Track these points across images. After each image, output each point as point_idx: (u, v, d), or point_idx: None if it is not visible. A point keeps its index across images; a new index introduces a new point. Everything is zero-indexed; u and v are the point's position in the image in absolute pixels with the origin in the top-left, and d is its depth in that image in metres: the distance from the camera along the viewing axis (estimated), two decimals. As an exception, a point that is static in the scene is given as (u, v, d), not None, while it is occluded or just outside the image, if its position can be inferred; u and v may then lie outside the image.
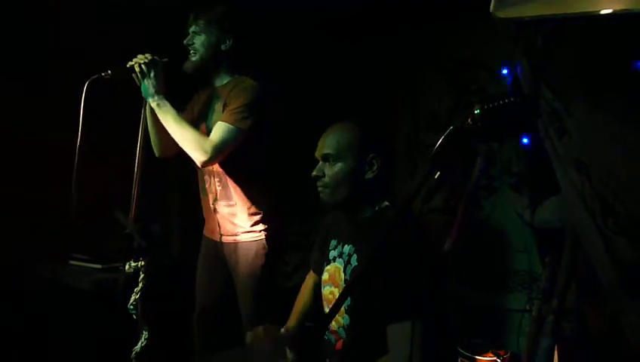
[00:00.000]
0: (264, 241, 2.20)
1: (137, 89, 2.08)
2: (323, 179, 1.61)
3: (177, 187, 2.87)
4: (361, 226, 1.62)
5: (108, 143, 2.64)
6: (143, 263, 1.92)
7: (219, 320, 2.30)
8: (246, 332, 1.90)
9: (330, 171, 1.60)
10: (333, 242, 1.72)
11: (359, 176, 1.59)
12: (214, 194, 2.24)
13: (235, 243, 2.22)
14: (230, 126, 2.06)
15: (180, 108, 2.37)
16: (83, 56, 2.67)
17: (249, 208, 2.20)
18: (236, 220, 2.22)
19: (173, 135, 2.07)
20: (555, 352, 2.13)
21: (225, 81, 2.23)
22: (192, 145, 2.04)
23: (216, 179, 2.23)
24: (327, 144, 1.62)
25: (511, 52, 2.02)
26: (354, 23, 3.34)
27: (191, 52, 2.16)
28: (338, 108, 3.30)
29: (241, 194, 2.19)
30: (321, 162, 1.64)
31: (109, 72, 1.97)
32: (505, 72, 2.10)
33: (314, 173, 1.63)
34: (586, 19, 1.68)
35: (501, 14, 1.82)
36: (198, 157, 2.05)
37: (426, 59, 3.52)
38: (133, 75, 2.05)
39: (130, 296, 1.89)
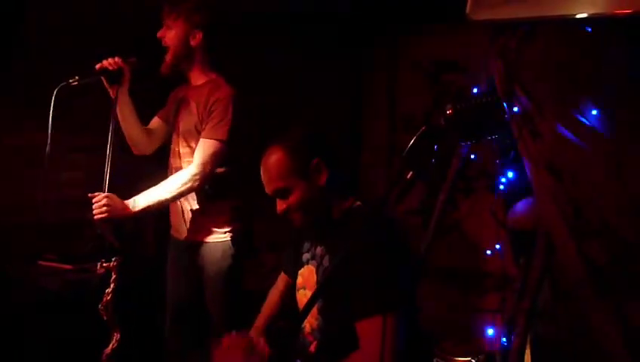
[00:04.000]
0: (230, 242, 2.18)
1: (106, 90, 2.08)
2: (289, 210, 1.58)
3: (150, 186, 2.83)
4: (333, 227, 1.61)
5: (80, 143, 2.61)
6: (114, 263, 1.89)
7: (191, 322, 2.27)
8: (216, 334, 1.87)
9: (290, 202, 1.56)
10: (306, 245, 1.71)
11: (316, 188, 1.56)
12: (191, 196, 2.22)
13: (202, 244, 2.20)
14: (212, 141, 2.07)
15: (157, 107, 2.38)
16: (54, 56, 2.63)
17: (217, 209, 2.18)
18: (203, 221, 2.19)
19: (171, 201, 2.11)
20: (528, 352, 2.15)
21: (200, 81, 2.22)
22: (184, 188, 2.06)
23: None
24: (271, 180, 1.57)
25: (487, 55, 2.03)
26: (332, 25, 3.35)
27: (165, 50, 2.15)
28: (316, 110, 3.30)
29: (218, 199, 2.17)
30: (277, 198, 1.59)
31: (77, 77, 1.95)
32: (475, 90, 2.12)
33: (278, 210, 1.59)
34: (560, 22, 1.70)
35: (477, 16, 1.84)
36: (194, 186, 2.06)
37: (404, 61, 3.54)
38: (102, 77, 2.03)
39: (102, 297, 1.86)
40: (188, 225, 2.23)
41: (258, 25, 3.00)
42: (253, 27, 2.97)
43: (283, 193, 1.56)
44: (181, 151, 2.22)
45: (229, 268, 2.17)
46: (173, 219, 2.31)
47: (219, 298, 2.17)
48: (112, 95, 2.08)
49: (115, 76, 2.04)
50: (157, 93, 2.41)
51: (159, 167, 2.35)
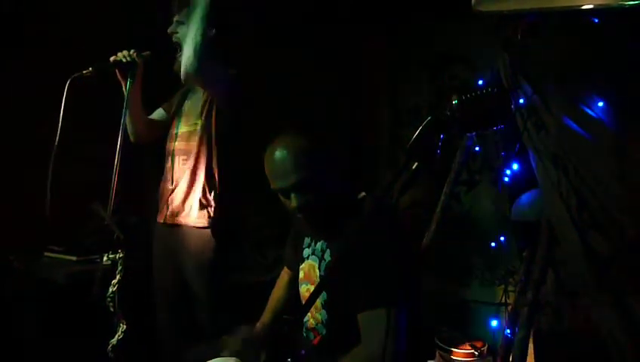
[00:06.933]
0: (210, 234, 2.16)
1: (118, 82, 2.08)
2: (310, 207, 1.46)
3: (156, 179, 2.84)
4: (335, 220, 1.58)
5: (88, 135, 2.61)
6: (120, 255, 1.89)
7: (180, 312, 2.27)
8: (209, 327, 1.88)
9: (313, 197, 1.45)
10: (307, 240, 1.69)
11: (336, 180, 1.52)
12: (178, 176, 2.22)
13: (183, 232, 2.20)
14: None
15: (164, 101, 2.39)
16: (65, 48, 2.64)
17: (204, 197, 2.17)
18: (187, 206, 2.19)
19: None
20: (531, 344, 2.16)
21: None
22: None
23: (182, 157, 2.22)
24: (293, 170, 1.42)
25: (491, 47, 2.03)
26: (334, 19, 3.34)
27: (177, 49, 2.13)
28: (318, 104, 3.30)
29: (204, 181, 2.17)
30: (293, 193, 1.45)
31: (90, 69, 1.95)
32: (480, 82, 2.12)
33: (294, 204, 1.44)
34: (564, 14, 1.70)
35: (482, 8, 1.83)
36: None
37: (407, 54, 3.53)
38: (116, 69, 2.04)
39: (107, 288, 1.87)
40: (173, 208, 2.22)
41: (258, 22, 3.00)
42: (252, 24, 2.97)
43: (303, 185, 1.44)
44: (180, 132, 2.25)
45: (209, 261, 2.15)
46: (161, 203, 2.30)
47: (199, 291, 2.17)
48: (124, 88, 2.09)
49: (128, 69, 2.04)
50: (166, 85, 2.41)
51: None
